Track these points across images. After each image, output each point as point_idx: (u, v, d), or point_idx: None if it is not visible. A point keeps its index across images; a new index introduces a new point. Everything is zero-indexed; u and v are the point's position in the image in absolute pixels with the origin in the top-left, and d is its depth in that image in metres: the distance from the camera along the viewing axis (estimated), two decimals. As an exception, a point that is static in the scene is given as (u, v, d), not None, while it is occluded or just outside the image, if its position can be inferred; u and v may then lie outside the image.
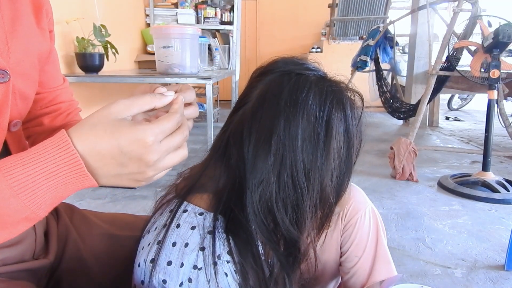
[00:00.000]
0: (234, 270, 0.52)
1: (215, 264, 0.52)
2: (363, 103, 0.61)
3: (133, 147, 0.40)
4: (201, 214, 0.57)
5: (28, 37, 0.61)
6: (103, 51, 2.55)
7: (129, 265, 0.63)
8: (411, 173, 2.53)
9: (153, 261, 0.56)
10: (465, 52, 2.62)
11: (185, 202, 0.59)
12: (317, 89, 0.56)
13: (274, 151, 0.53)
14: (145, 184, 0.45)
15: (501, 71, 2.21)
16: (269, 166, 0.53)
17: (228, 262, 0.52)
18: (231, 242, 0.54)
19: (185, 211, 0.58)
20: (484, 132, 2.36)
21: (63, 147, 0.39)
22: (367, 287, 0.70)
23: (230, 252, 0.53)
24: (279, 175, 0.54)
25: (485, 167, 2.37)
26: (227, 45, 3.53)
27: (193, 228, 0.55)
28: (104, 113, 0.42)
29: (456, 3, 2.59)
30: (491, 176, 2.34)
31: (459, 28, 2.62)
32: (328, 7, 5.62)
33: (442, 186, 2.42)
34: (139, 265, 0.59)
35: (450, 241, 1.73)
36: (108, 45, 2.55)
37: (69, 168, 0.39)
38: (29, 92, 0.62)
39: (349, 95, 0.59)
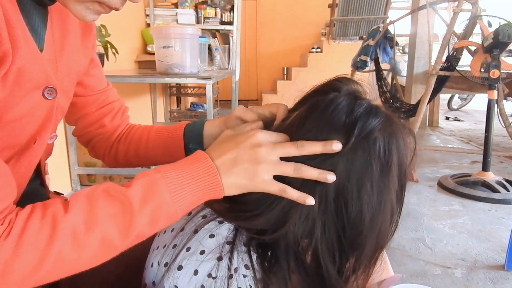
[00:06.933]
0: (250, 285, 0.49)
1: (230, 276, 0.49)
2: (415, 139, 0.56)
3: (239, 137, 0.53)
4: (221, 222, 0.54)
5: (72, 56, 0.65)
6: (103, 51, 2.54)
7: (139, 261, 0.61)
8: (411, 173, 2.53)
9: (167, 265, 0.54)
10: (465, 52, 2.62)
11: (205, 208, 0.57)
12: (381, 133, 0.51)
13: (320, 192, 0.51)
14: (266, 182, 0.51)
15: (501, 71, 2.21)
16: (316, 208, 0.51)
17: (244, 276, 0.50)
18: (253, 257, 0.51)
19: (204, 216, 0.55)
20: (484, 132, 2.36)
21: (203, 160, 0.52)
22: (366, 288, 0.70)
23: (247, 267, 0.50)
24: (327, 217, 0.51)
25: (485, 167, 2.37)
26: (227, 45, 3.53)
27: (211, 236, 0.53)
28: (224, 132, 0.58)
29: (456, 3, 2.59)
30: (491, 176, 2.34)
31: (459, 28, 2.62)
32: (328, 7, 5.63)
33: (442, 186, 2.42)
34: (152, 265, 0.57)
35: (450, 241, 1.73)
36: (108, 45, 2.54)
37: (207, 176, 0.51)
38: (65, 106, 0.68)
39: (399, 127, 0.53)
